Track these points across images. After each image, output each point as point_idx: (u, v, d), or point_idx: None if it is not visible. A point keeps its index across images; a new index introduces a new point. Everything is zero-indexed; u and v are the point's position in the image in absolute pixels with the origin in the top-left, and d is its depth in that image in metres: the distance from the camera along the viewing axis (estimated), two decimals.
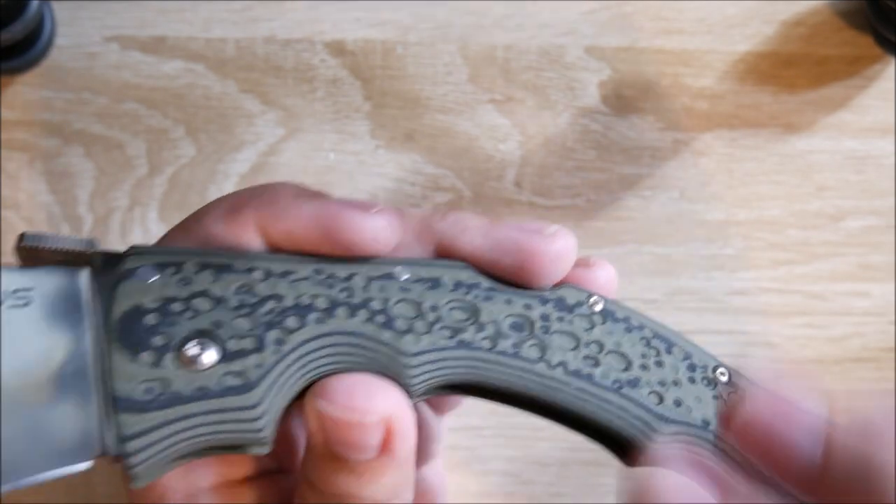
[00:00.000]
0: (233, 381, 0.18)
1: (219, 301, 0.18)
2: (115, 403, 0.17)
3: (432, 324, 0.19)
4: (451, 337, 0.19)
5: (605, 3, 0.33)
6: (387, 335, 0.19)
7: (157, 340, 0.18)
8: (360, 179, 0.33)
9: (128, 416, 0.17)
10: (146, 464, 0.17)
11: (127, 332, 0.18)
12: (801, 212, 0.33)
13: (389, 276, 0.20)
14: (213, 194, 0.32)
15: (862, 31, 0.33)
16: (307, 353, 0.18)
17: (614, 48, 0.33)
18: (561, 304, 0.20)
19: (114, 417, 0.17)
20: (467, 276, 0.20)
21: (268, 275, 0.19)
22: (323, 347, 0.19)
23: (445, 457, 0.33)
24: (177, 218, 0.32)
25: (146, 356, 0.17)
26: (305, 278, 0.19)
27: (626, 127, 0.33)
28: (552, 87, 0.33)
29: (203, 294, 0.18)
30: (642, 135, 0.33)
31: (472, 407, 0.33)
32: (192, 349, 0.18)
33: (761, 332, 0.33)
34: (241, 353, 0.18)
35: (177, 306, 0.18)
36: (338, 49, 0.33)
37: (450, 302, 0.20)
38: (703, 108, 0.33)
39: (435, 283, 0.20)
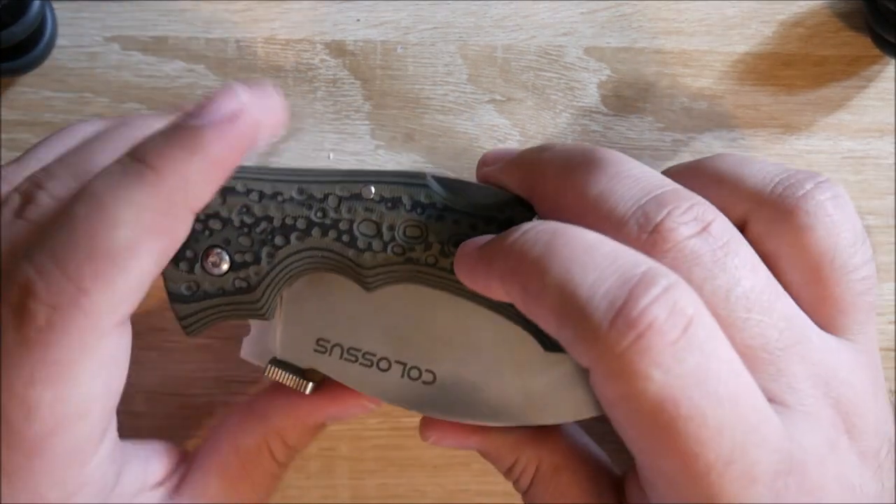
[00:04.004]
0: (241, 284, 0.25)
1: (226, 222, 0.24)
2: (170, 297, 0.25)
3: (387, 243, 0.25)
4: (401, 254, 0.25)
5: (605, 3, 0.33)
6: (350, 252, 0.25)
7: (188, 253, 0.24)
8: None
9: (178, 305, 0.25)
10: (192, 329, 0.25)
11: None
12: None
13: (359, 197, 0.25)
14: None
15: (860, 31, 0.33)
16: (291, 263, 0.25)
17: (614, 48, 0.33)
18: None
19: (172, 305, 0.25)
20: (426, 195, 0.25)
21: (261, 197, 0.25)
22: (302, 259, 0.25)
23: (445, 457, 0.33)
24: None
25: (183, 265, 0.25)
26: (290, 199, 0.24)
27: (626, 127, 0.33)
28: (552, 88, 0.33)
29: (216, 216, 0.24)
30: (642, 135, 0.33)
31: None
32: (212, 260, 0.25)
33: None
34: (244, 265, 0.25)
35: (198, 226, 0.24)
36: (338, 49, 0.33)
37: (405, 222, 0.25)
38: (703, 109, 0.33)
39: (395, 203, 0.25)
